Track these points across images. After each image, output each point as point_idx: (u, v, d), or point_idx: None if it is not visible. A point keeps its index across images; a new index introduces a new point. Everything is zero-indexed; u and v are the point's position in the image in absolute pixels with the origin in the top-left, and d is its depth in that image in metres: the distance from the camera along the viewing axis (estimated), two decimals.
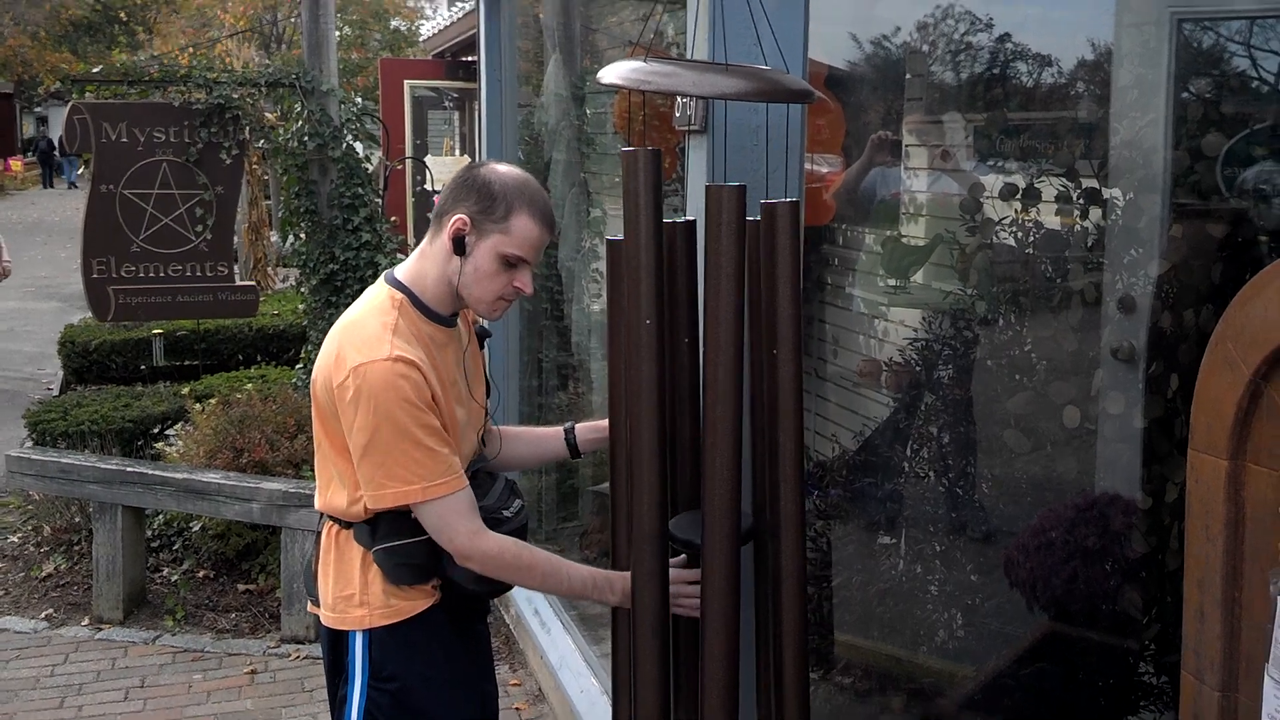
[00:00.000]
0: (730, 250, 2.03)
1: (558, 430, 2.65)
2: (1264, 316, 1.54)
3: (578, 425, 2.63)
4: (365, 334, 2.21)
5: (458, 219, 2.23)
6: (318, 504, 2.39)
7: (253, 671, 4.75)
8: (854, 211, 3.54)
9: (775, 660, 2.14)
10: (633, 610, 2.18)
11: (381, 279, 2.36)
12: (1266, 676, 1.63)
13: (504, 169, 2.30)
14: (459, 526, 2.21)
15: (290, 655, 4.89)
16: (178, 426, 6.60)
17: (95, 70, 7.38)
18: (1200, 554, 1.71)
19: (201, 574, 5.65)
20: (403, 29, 21.00)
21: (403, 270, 2.34)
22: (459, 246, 2.24)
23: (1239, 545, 1.66)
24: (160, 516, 5.88)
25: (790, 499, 2.09)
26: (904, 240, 3.37)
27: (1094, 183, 2.30)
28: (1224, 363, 1.61)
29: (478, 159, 4.62)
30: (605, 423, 2.46)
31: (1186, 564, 1.74)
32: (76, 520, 6.00)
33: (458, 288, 2.27)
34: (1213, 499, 1.66)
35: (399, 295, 2.28)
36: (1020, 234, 2.50)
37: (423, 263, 2.31)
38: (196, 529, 5.74)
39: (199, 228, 6.98)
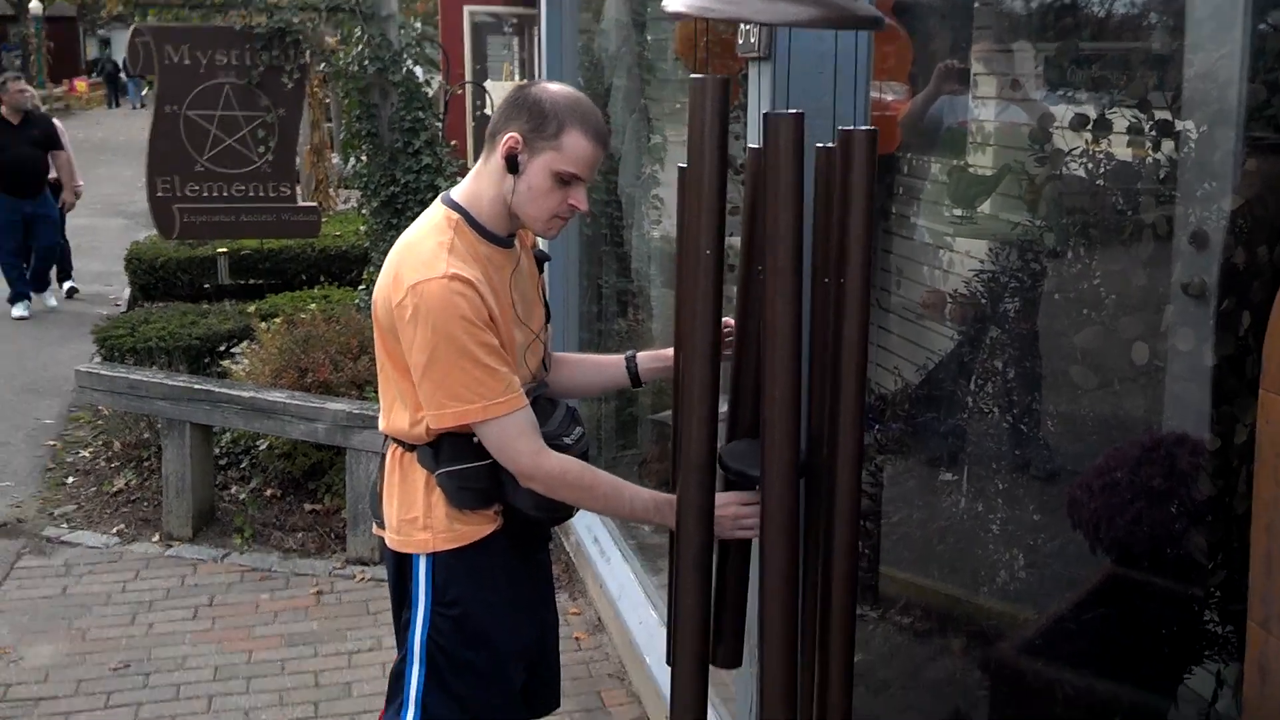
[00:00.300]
0: (789, 178, 2.01)
1: (619, 358, 2.65)
2: None
3: (639, 354, 2.63)
4: (422, 253, 2.22)
5: (510, 137, 2.23)
6: (382, 425, 2.41)
7: (319, 592, 4.84)
8: (920, 140, 3.48)
9: (823, 599, 2.15)
10: (676, 541, 2.19)
11: (438, 200, 2.37)
12: None
13: (555, 87, 2.29)
14: (521, 446, 2.22)
15: (355, 577, 4.98)
16: (243, 345, 6.70)
17: None
18: (1269, 497, 1.68)
19: (269, 493, 5.75)
20: None
21: (459, 191, 2.35)
22: (512, 165, 2.24)
23: None
24: (228, 434, 5.99)
25: (849, 434, 2.08)
26: (971, 170, 3.31)
27: (1166, 114, 2.24)
28: None
29: None
30: (668, 352, 2.46)
31: (1255, 508, 1.72)
32: (146, 436, 6.12)
33: (512, 206, 2.28)
34: None
35: (455, 215, 2.29)
36: (1090, 165, 2.45)
37: (478, 183, 2.32)
38: (263, 448, 5.83)
39: (261, 149, 7.03)
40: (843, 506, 2.09)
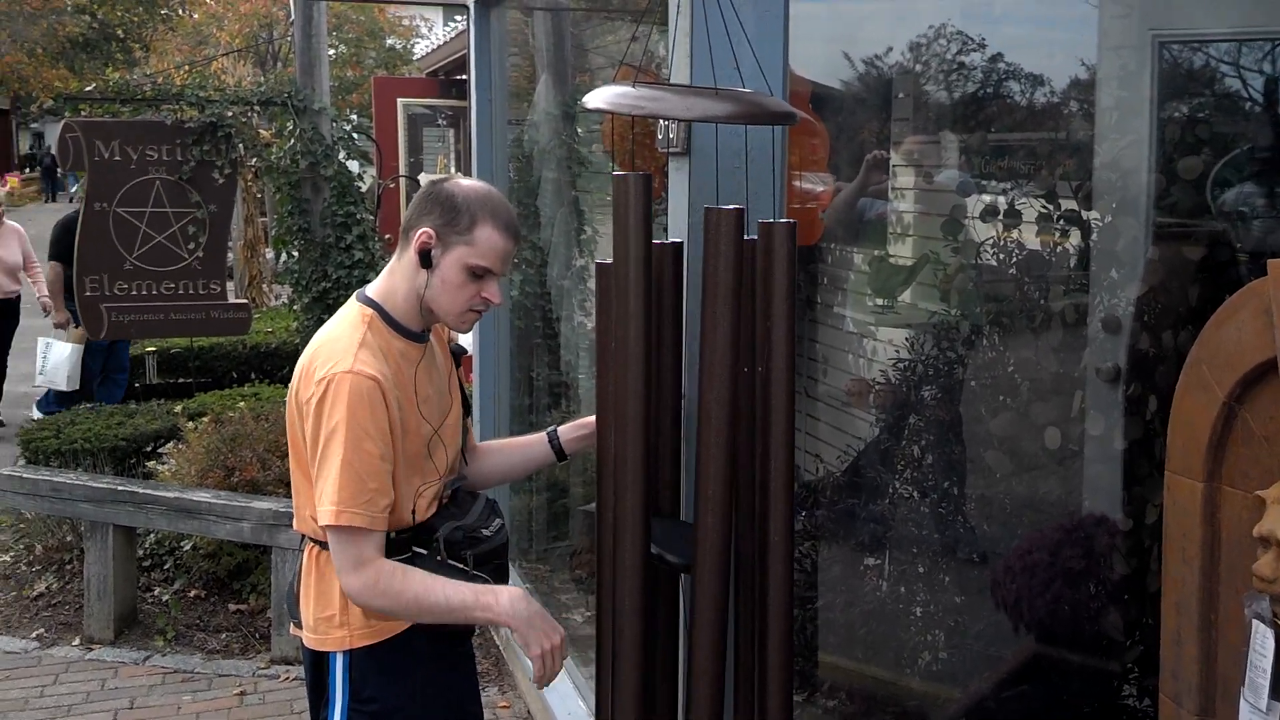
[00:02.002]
0: (727, 272, 2.06)
1: (541, 435, 2.64)
2: (1238, 339, 1.55)
3: (560, 426, 2.63)
4: (335, 349, 2.23)
5: (424, 233, 2.26)
6: (295, 524, 2.39)
7: (242, 693, 4.72)
8: (846, 231, 3.55)
9: (759, 684, 2.14)
10: (613, 640, 2.18)
11: (354, 296, 2.39)
12: (1242, 700, 1.63)
13: (467, 182, 2.33)
14: (343, 562, 2.21)
15: (280, 676, 4.86)
16: (170, 445, 6.59)
17: (88, 88, 7.39)
18: (1177, 576, 1.71)
19: (193, 594, 5.63)
20: (398, 47, 21.04)
21: (373, 288, 2.37)
22: (425, 259, 2.26)
23: (1215, 568, 1.66)
24: (152, 535, 5.87)
25: (779, 521, 2.09)
26: (891, 260, 3.37)
27: (1073, 204, 2.31)
28: (1198, 385, 1.62)
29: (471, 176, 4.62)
30: (589, 420, 2.47)
31: (1164, 586, 1.74)
32: (68, 539, 5.99)
33: (426, 300, 2.29)
34: (1189, 521, 1.67)
35: (369, 311, 2.30)
36: (1003, 255, 2.51)
37: (392, 279, 2.33)
38: (188, 548, 5.71)
39: (191, 245, 6.98)
40: (776, 598, 2.09)
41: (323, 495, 2.17)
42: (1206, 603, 1.68)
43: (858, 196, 3.48)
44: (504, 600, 2.22)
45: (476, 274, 2.26)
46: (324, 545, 2.32)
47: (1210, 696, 1.70)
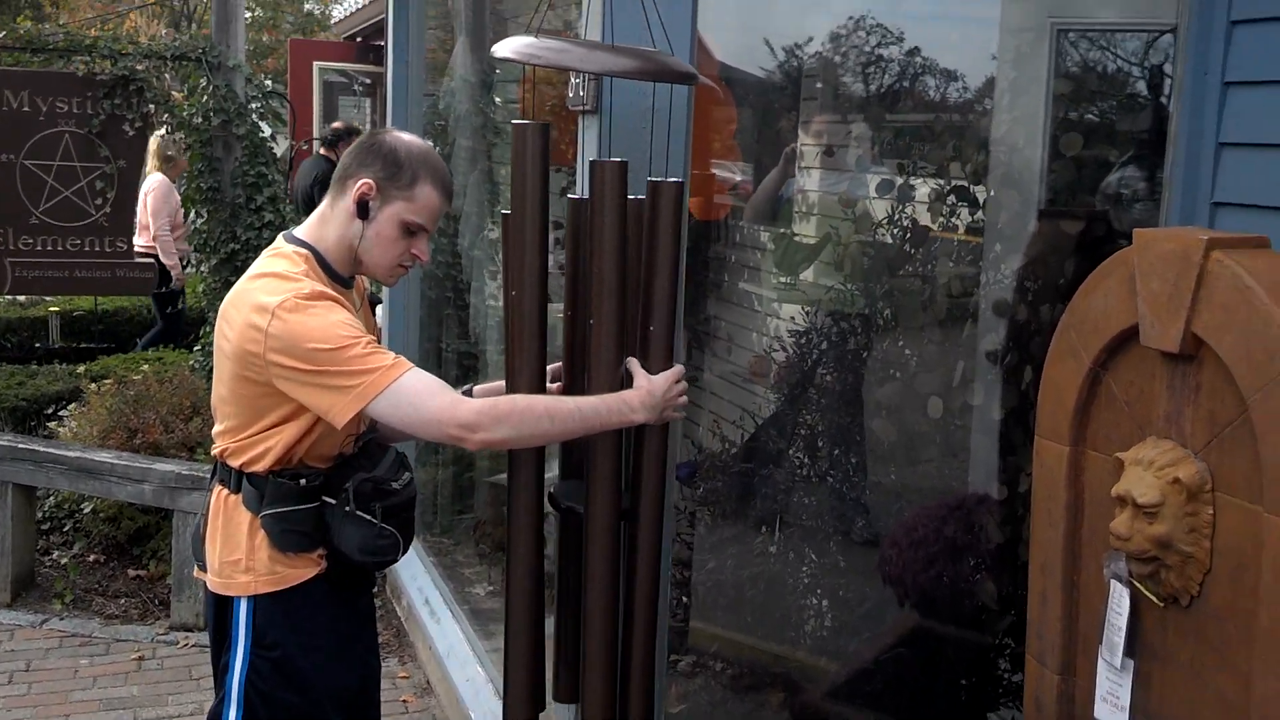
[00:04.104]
0: (612, 223, 2.09)
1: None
2: (1104, 306, 1.61)
3: (475, 387, 2.63)
4: (279, 280, 2.20)
5: (364, 183, 2.25)
6: (216, 451, 2.36)
7: (140, 658, 4.68)
8: (763, 217, 3.60)
9: (625, 638, 2.19)
10: (506, 579, 2.20)
11: (280, 239, 2.37)
12: (1100, 659, 1.70)
13: (409, 138, 2.33)
14: (437, 401, 2.13)
15: (179, 643, 4.82)
16: (72, 407, 6.47)
17: None
18: (1043, 538, 1.77)
19: (92, 558, 5.55)
20: (316, 12, 20.72)
21: (302, 231, 2.35)
22: (363, 210, 2.26)
23: (1078, 529, 1.73)
24: (51, 498, 5.77)
25: (652, 477, 2.14)
26: (796, 238, 3.43)
27: (964, 182, 2.38)
28: (1067, 351, 1.68)
29: None
30: (502, 384, 2.48)
31: (1031, 548, 1.80)
32: None
33: (358, 251, 2.29)
34: (1055, 484, 1.73)
35: (304, 251, 2.29)
36: (896, 231, 2.57)
37: (324, 225, 2.33)
38: (88, 511, 5.63)
39: (99, 201, 6.84)
40: (645, 547, 2.13)
41: (342, 389, 2.11)
42: (1070, 564, 1.75)
43: (779, 187, 3.52)
44: (636, 401, 2.15)
45: (411, 230, 2.28)
46: (234, 489, 2.32)
47: (1072, 654, 1.77)
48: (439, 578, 4.77)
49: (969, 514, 2.36)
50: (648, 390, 2.15)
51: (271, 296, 2.16)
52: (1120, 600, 1.63)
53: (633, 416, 2.15)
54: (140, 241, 7.99)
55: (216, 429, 2.38)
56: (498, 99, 5.36)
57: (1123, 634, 1.63)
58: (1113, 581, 1.63)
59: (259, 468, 2.28)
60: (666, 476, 2.19)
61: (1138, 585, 1.58)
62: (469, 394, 2.57)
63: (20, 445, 5.16)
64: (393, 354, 2.17)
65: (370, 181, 2.25)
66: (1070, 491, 1.70)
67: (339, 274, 2.32)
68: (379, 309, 4.92)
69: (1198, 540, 1.49)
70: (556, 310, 2.40)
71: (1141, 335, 1.55)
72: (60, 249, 6.88)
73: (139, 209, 7.94)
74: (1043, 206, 2.22)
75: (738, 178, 3.80)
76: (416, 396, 2.12)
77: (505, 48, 2.09)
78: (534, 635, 2.25)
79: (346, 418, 2.16)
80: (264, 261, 2.32)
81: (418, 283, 5.24)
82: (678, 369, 2.20)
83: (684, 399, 2.22)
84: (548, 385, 2.30)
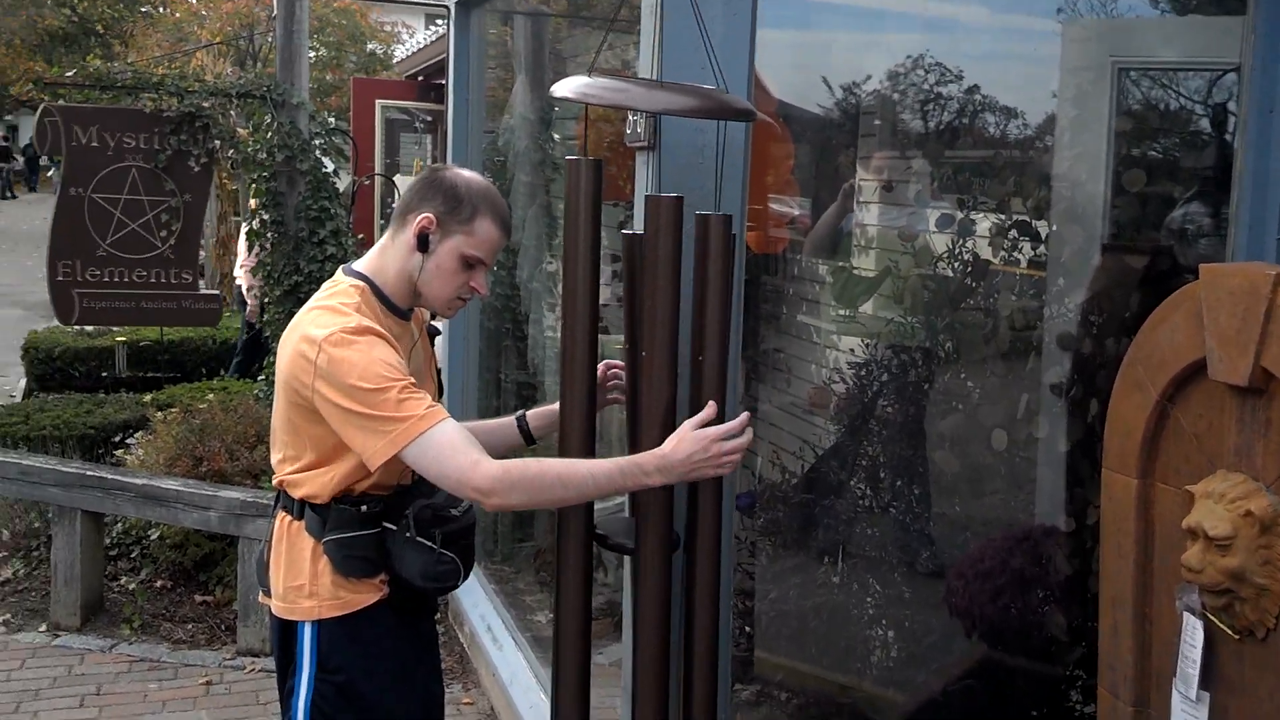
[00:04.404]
0: (666, 257, 2.12)
1: (510, 420, 2.68)
2: (1171, 340, 1.63)
3: (529, 411, 2.68)
4: (331, 314, 2.26)
5: (424, 217, 2.31)
6: (275, 479, 2.40)
7: (208, 683, 4.74)
8: (822, 250, 3.63)
9: (686, 672, 2.21)
10: (555, 613, 2.22)
11: (339, 272, 2.43)
12: (1175, 691, 1.71)
13: (468, 174, 2.39)
14: (459, 460, 2.16)
15: (245, 668, 4.88)
16: (139, 435, 6.60)
17: (69, 74, 7.39)
18: (1113, 571, 1.79)
19: (159, 584, 5.64)
20: (379, 52, 21.03)
21: (362, 264, 2.42)
22: (423, 243, 2.31)
23: (1149, 562, 1.74)
24: (119, 525, 5.87)
25: (709, 507, 2.16)
26: (855, 271, 3.45)
27: (1025, 217, 2.40)
28: (1134, 385, 1.70)
29: None
30: (557, 407, 2.51)
31: (1101, 581, 1.82)
32: (36, 525, 5.99)
33: (418, 284, 2.35)
34: (1124, 517, 1.74)
35: (361, 284, 2.35)
36: (957, 265, 2.59)
37: (383, 258, 2.38)
38: (155, 537, 5.73)
39: (165, 234, 7.00)
40: (703, 578, 2.15)
41: (378, 432, 2.16)
42: (1141, 596, 1.76)
43: (838, 221, 3.55)
44: (651, 465, 2.13)
45: (469, 263, 2.33)
46: (297, 515, 2.37)
47: (1145, 688, 1.77)
48: (501, 605, 4.81)
49: (1036, 546, 2.37)
50: (664, 454, 2.12)
51: (320, 330, 2.23)
52: (1194, 632, 1.64)
53: (647, 480, 2.13)
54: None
55: (275, 457, 2.42)
56: (556, 135, 5.43)
57: (1197, 666, 1.64)
58: (1185, 614, 1.65)
59: (320, 500, 2.33)
60: (724, 508, 2.21)
61: (1211, 618, 1.59)
62: (522, 420, 2.65)
63: (89, 473, 5.27)
64: (428, 400, 2.21)
65: (431, 215, 2.31)
66: (1140, 524, 1.72)
67: (396, 306, 2.38)
68: (438, 340, 4.99)
69: (1272, 573, 1.50)
70: (618, 341, 2.44)
71: (1210, 369, 1.57)
72: (127, 280, 7.05)
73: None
74: (1106, 241, 2.24)
75: (796, 212, 3.83)
76: (441, 451, 2.17)
77: (565, 88, 2.14)
78: (581, 669, 2.27)
79: (381, 461, 2.21)
80: (320, 294, 2.39)
81: (477, 314, 5.31)
82: (732, 424, 2.14)
83: (734, 456, 2.13)
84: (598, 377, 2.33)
